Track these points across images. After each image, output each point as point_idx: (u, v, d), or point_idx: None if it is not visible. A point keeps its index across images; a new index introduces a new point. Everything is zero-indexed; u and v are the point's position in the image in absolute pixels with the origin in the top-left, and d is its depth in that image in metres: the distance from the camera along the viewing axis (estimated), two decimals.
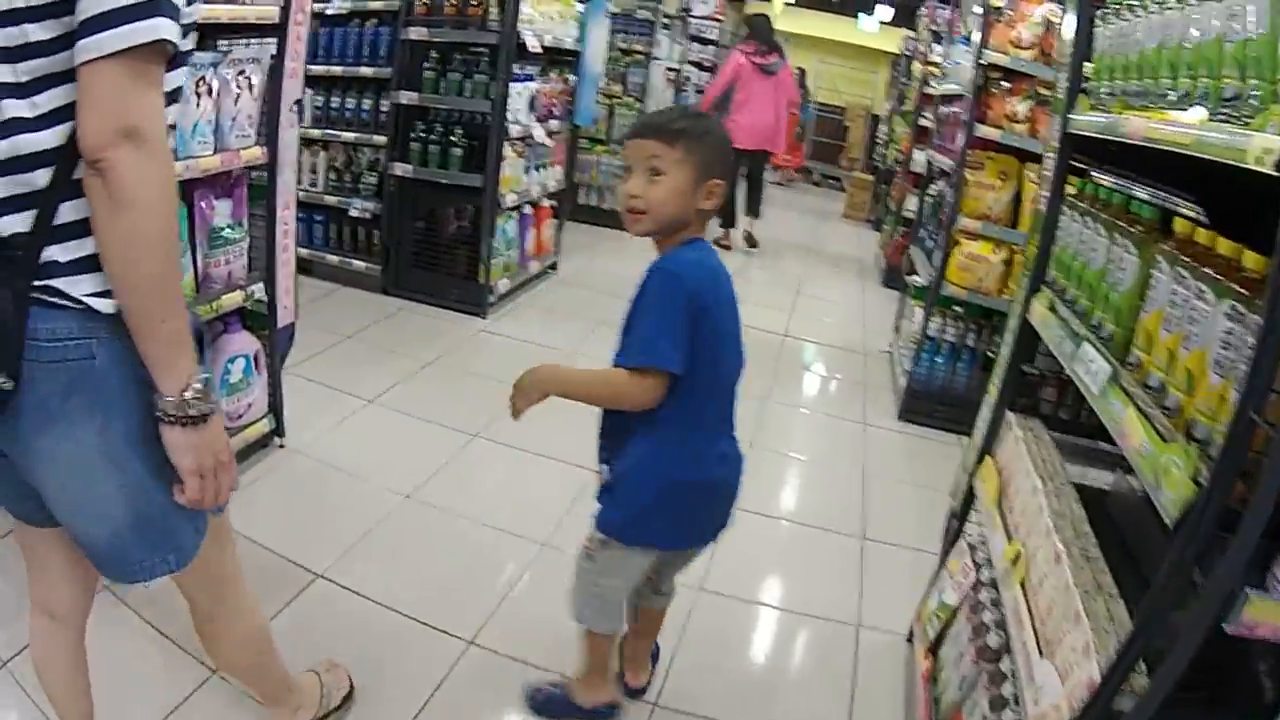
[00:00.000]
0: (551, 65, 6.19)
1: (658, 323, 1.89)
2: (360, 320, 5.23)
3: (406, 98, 5.34)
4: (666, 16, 9.32)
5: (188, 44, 1.38)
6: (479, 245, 5.40)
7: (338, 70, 5.63)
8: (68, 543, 1.65)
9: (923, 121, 7.46)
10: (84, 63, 1.20)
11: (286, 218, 3.36)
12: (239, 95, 2.88)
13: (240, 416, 3.33)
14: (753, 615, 3.06)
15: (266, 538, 2.98)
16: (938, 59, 7.32)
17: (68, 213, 1.30)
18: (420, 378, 4.57)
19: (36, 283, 1.30)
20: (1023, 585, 1.96)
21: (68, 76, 1.24)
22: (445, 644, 2.66)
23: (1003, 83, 4.42)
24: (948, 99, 5.35)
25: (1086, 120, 2.10)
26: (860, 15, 15.66)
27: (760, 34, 8.57)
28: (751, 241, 9.13)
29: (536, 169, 5.96)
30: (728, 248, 8.87)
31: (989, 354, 4.68)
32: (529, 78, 5.62)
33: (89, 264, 1.33)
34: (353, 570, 2.93)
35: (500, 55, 5.08)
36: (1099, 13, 2.12)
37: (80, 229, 1.31)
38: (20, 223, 1.29)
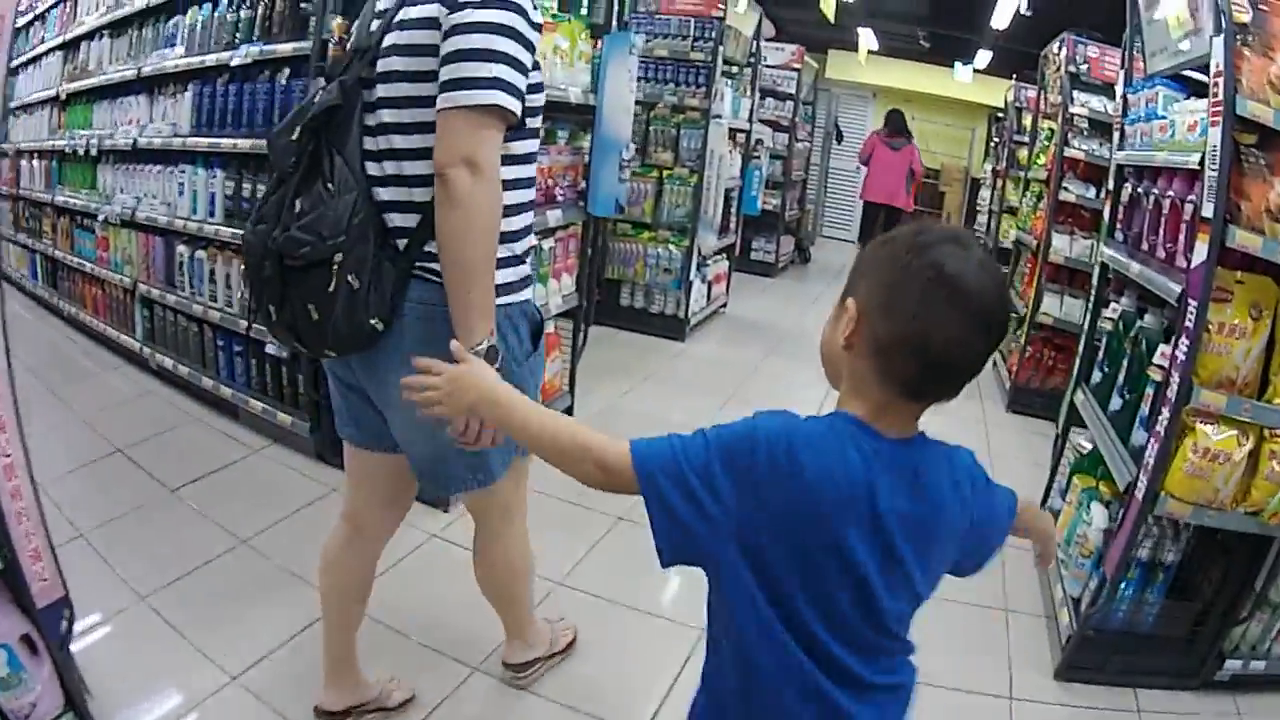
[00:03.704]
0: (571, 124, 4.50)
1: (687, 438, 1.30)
2: (270, 509, 3.63)
3: None
4: (730, 63, 7.52)
5: (536, 123, 2.05)
6: None
7: (245, 144, 4.02)
8: (391, 473, 2.30)
9: (1064, 195, 5.70)
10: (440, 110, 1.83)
11: None
12: None
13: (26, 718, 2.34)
14: None
15: None
16: (1081, 110, 5.71)
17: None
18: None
19: (418, 264, 1.96)
20: None
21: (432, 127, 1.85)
22: None
23: (1256, 153, 2.59)
24: (1144, 172, 3.46)
25: None
26: (956, 64, 13.72)
27: (892, 123, 11.15)
28: None
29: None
30: None
31: (1190, 574, 3.13)
32: None
33: None
34: None
35: None
36: None
37: None
38: (403, 220, 1.96)
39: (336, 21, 3.51)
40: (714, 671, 1.43)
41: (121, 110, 5.20)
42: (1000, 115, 11.56)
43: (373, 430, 2.24)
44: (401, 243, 1.97)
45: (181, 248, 4.62)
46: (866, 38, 12.60)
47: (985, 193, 11.28)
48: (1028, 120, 7.91)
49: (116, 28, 5.40)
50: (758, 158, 8.84)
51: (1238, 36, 2.55)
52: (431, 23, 1.87)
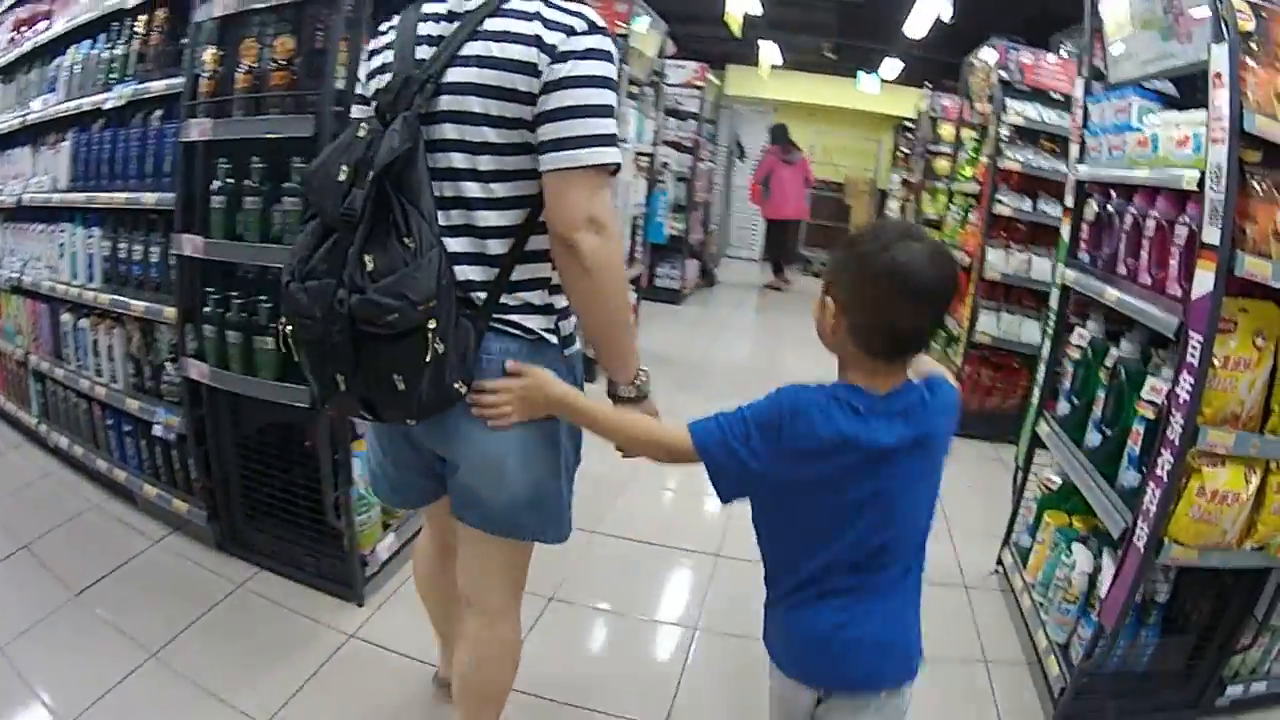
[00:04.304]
0: None
1: (733, 416, 1.68)
2: (176, 613, 3.17)
3: (190, 246, 3.15)
4: (634, 84, 7.19)
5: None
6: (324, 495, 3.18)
7: (120, 198, 3.57)
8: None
9: (998, 208, 5.50)
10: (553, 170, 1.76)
11: None
12: None
13: None
14: None
15: None
16: (1016, 119, 5.52)
17: (519, 273, 1.89)
18: None
19: (495, 317, 1.88)
20: None
21: (518, 175, 1.82)
22: None
23: (1262, 171, 2.34)
24: (1114, 189, 3.19)
25: None
26: (860, 74, 13.64)
27: (783, 138, 11.86)
28: (786, 281, 12.56)
29: None
30: (780, 286, 12.49)
31: (1180, 604, 2.97)
32: None
33: (534, 309, 1.92)
34: None
35: None
36: None
37: (527, 285, 1.91)
38: (476, 273, 1.86)
39: (209, 53, 3.10)
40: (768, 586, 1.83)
41: (10, 163, 4.65)
42: (909, 126, 11.44)
43: (411, 494, 2.29)
44: (478, 297, 1.87)
45: (65, 315, 4.12)
46: (769, 51, 12.42)
47: (894, 204, 11.17)
48: (945, 130, 7.74)
49: (7, 72, 4.84)
50: (663, 182, 8.51)
51: (1243, 43, 2.29)
52: (527, 68, 1.77)
